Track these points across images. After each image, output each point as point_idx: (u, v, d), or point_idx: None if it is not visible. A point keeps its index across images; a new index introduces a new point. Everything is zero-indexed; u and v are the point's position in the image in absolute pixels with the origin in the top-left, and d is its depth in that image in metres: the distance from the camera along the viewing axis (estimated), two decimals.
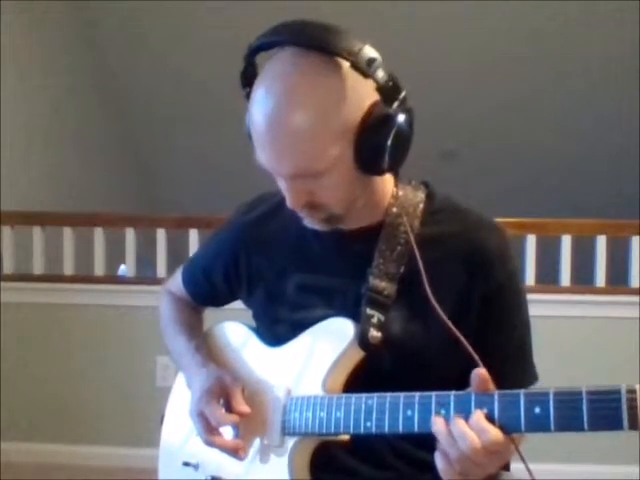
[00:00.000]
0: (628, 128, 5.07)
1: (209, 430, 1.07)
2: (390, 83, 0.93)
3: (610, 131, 5.23)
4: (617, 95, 4.91)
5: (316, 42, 0.91)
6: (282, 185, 0.99)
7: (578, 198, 5.65)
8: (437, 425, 0.87)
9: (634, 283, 3.25)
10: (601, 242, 3.27)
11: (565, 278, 3.30)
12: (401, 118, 0.94)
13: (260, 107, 0.93)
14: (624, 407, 0.75)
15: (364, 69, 0.91)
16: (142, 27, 4.70)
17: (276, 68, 0.95)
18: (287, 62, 0.94)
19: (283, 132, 0.92)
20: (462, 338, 0.92)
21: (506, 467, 1.24)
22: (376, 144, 0.94)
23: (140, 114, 5.47)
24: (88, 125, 5.06)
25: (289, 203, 0.99)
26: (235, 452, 1.07)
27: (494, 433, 0.83)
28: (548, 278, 3.49)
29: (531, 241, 3.28)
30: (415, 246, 1.02)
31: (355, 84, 0.93)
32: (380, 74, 0.92)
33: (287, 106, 0.91)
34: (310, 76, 0.92)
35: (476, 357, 0.89)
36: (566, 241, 3.29)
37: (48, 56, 4.42)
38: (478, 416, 0.84)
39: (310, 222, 1.05)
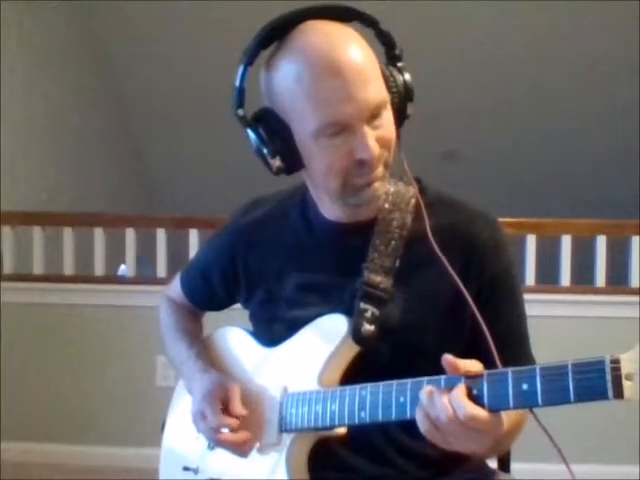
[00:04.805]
0: (628, 128, 5.07)
1: (213, 430, 1.07)
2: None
3: (610, 131, 5.23)
4: (617, 95, 4.91)
5: (327, 10, 1.01)
6: (357, 139, 0.97)
7: (578, 198, 5.65)
8: (424, 392, 0.87)
9: (634, 283, 3.25)
10: (601, 242, 3.27)
11: (565, 278, 3.30)
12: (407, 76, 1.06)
13: (314, 64, 0.96)
14: (608, 377, 0.76)
15: (374, 20, 1.03)
16: (143, 27, 4.70)
17: (310, 33, 0.99)
18: (317, 25, 1.00)
19: (354, 71, 0.96)
20: (470, 300, 0.96)
21: (506, 468, 1.24)
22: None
23: (140, 114, 5.47)
24: (88, 125, 5.05)
25: (369, 152, 0.97)
26: (243, 445, 1.06)
27: (471, 408, 0.83)
28: (548, 278, 3.49)
29: (531, 241, 3.28)
30: (424, 209, 1.06)
31: None
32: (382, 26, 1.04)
33: (348, 49, 0.97)
34: (343, 27, 1.01)
35: (483, 325, 0.93)
36: (566, 241, 3.28)
37: (48, 56, 4.42)
38: (459, 390, 0.85)
39: (367, 192, 1.02)
